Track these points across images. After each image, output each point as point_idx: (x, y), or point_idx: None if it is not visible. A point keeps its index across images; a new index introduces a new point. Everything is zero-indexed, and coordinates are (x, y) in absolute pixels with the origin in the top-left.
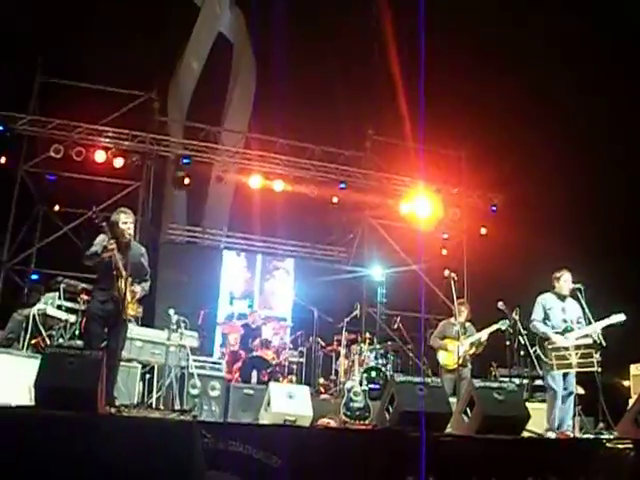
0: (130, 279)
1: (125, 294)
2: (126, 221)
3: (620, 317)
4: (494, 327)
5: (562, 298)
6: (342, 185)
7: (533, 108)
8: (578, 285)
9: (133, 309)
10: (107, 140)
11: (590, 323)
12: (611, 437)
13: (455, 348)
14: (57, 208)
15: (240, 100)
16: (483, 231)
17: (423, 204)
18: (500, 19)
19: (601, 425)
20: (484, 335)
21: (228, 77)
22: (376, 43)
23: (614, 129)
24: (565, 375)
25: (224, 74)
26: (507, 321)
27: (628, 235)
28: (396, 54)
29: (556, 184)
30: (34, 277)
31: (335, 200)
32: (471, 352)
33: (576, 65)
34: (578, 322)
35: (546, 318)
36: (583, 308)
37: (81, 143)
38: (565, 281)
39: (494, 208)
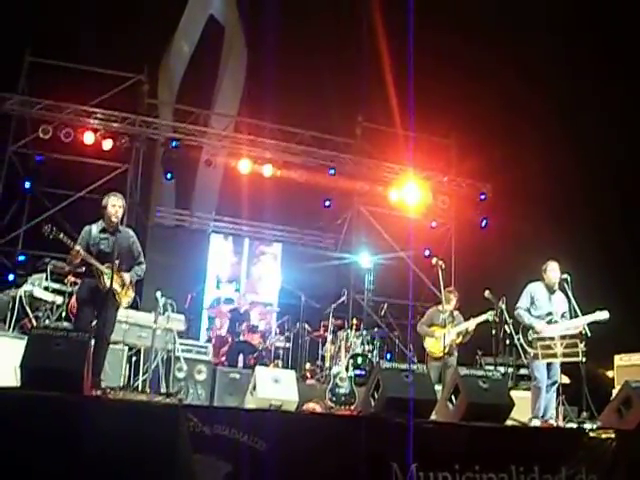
0: (117, 266)
1: (111, 285)
2: (114, 204)
3: (604, 315)
4: (482, 318)
5: (551, 290)
6: (331, 171)
7: (523, 95)
8: (565, 275)
9: (127, 295)
10: (96, 122)
11: (576, 315)
12: (594, 427)
13: (442, 336)
14: (27, 185)
15: (230, 84)
16: (484, 223)
17: (412, 191)
18: (488, 4)
19: (584, 415)
20: (471, 325)
21: (219, 60)
22: (365, 29)
23: (604, 114)
24: (550, 365)
25: (215, 57)
26: (494, 312)
27: (619, 224)
28: (385, 41)
29: (546, 172)
30: (21, 258)
31: (327, 203)
32: (458, 341)
33: (565, 50)
34: (563, 316)
35: (531, 307)
36: (569, 299)
37: (70, 124)
38: (552, 271)
39: (483, 196)
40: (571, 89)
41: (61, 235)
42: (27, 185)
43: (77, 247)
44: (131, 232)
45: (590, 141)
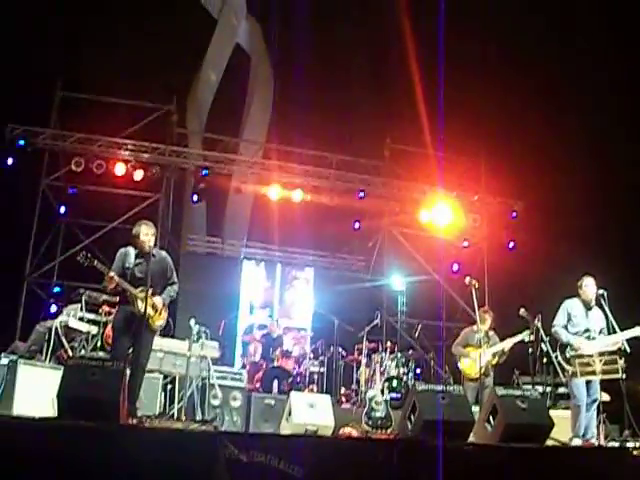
0: (151, 291)
1: (145, 309)
2: (147, 232)
3: None
4: (518, 338)
5: (588, 306)
6: (361, 194)
7: (553, 114)
8: (601, 291)
9: (160, 319)
10: (127, 153)
11: (614, 331)
12: (637, 445)
13: (477, 356)
14: (62, 210)
15: (258, 111)
16: (511, 245)
17: (442, 211)
18: (519, 26)
19: (627, 432)
20: (507, 345)
21: (246, 88)
22: (396, 52)
23: (635, 130)
24: (589, 382)
25: (242, 85)
26: (530, 332)
27: None
28: (415, 63)
29: (577, 189)
30: (56, 289)
31: (357, 226)
32: (494, 362)
33: (594, 69)
34: (601, 332)
35: (569, 324)
36: (607, 315)
37: (101, 156)
38: (588, 286)
39: (514, 214)
40: (601, 107)
41: (95, 262)
42: (62, 210)
43: (111, 273)
44: (164, 254)
45: (620, 157)
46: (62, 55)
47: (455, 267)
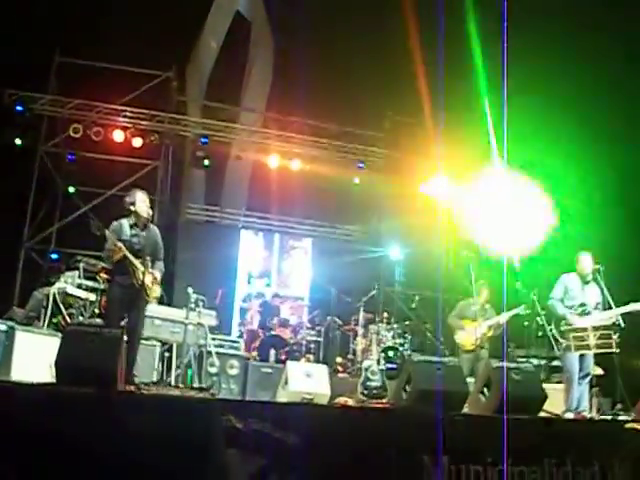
0: (149, 262)
1: (144, 280)
2: (145, 200)
3: (638, 306)
4: (513, 312)
5: (584, 281)
6: (361, 165)
7: (557, 90)
8: (597, 266)
9: (156, 291)
10: (126, 120)
11: (609, 307)
12: (628, 418)
13: (473, 329)
14: (72, 190)
15: (258, 79)
16: None
17: (441, 183)
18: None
19: (619, 406)
20: (503, 319)
21: (246, 56)
22: (397, 21)
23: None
24: (582, 356)
25: (242, 53)
26: (525, 306)
27: None
28: (416, 33)
29: (576, 167)
30: (54, 256)
31: (356, 180)
32: (489, 334)
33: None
34: (596, 308)
35: (565, 298)
36: (602, 290)
37: (100, 123)
38: (584, 261)
39: None
40: (598, 77)
41: (107, 232)
42: (71, 190)
43: (119, 243)
44: (157, 230)
45: (617, 133)
46: (61, 21)
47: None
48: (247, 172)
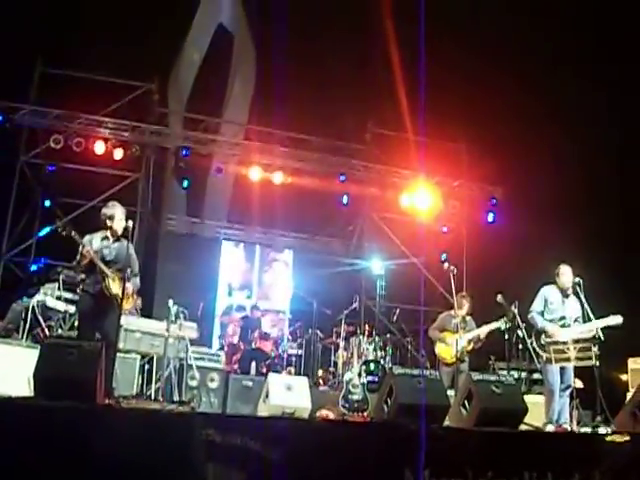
0: (120, 273)
1: (110, 290)
2: (122, 217)
3: (617, 319)
4: (494, 325)
5: (564, 293)
6: (342, 177)
7: (534, 100)
8: (577, 279)
9: (128, 303)
10: (107, 131)
11: (589, 319)
12: (609, 431)
13: (453, 341)
14: (47, 203)
15: (240, 91)
16: (490, 217)
17: (423, 196)
18: (494, 14)
19: (599, 419)
20: (483, 332)
21: (228, 68)
22: (376, 36)
23: (612, 119)
24: (563, 369)
25: (224, 65)
26: (506, 319)
27: (629, 227)
28: (396, 47)
29: (556, 177)
30: (33, 268)
31: (345, 201)
32: (469, 348)
33: (572, 55)
34: (576, 320)
35: (545, 311)
36: (582, 303)
37: (81, 134)
38: (564, 275)
39: (494, 201)
40: (578, 97)
41: (73, 232)
42: (47, 204)
43: (87, 247)
44: (129, 244)
45: (600, 144)
46: (42, 31)
47: (434, 252)
48: (228, 184)
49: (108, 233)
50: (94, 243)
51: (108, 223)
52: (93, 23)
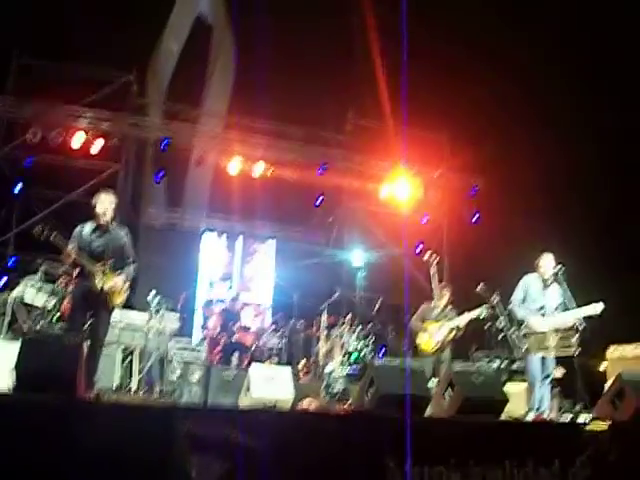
0: (109, 267)
1: (104, 285)
2: (103, 201)
3: (598, 308)
4: (474, 313)
5: (545, 283)
6: (323, 167)
7: (512, 91)
8: (558, 267)
9: (120, 297)
10: (85, 122)
11: (570, 308)
12: (588, 419)
13: (434, 331)
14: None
15: (220, 82)
16: (475, 218)
17: (403, 187)
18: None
19: (578, 407)
20: (463, 321)
21: (207, 59)
22: (356, 25)
23: (595, 104)
24: (544, 358)
25: (203, 56)
26: (486, 307)
27: (611, 216)
28: (377, 36)
29: (538, 166)
30: (11, 262)
31: (318, 202)
32: (450, 337)
33: (554, 42)
34: (557, 309)
35: (525, 300)
36: (564, 291)
37: (59, 125)
38: (545, 263)
39: (475, 190)
40: (558, 84)
41: (52, 235)
42: (17, 189)
43: (69, 247)
44: (123, 232)
45: (582, 135)
46: (20, 21)
47: (415, 243)
48: (209, 175)
49: (95, 223)
50: (84, 234)
51: (97, 212)
52: (71, 14)
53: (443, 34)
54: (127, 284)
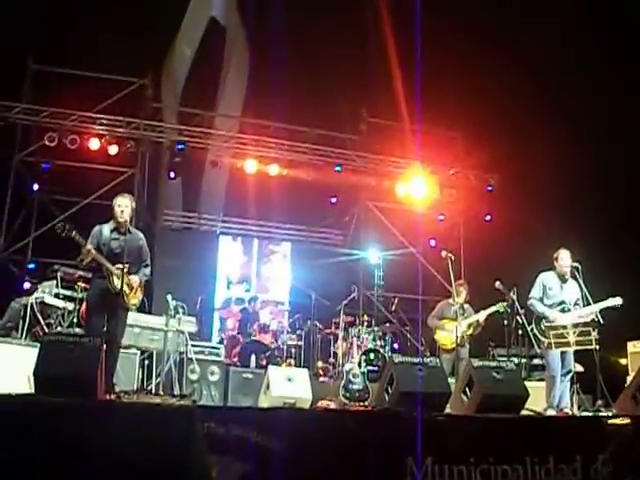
0: (127, 268)
1: (122, 286)
2: (120, 204)
3: (617, 301)
4: (492, 309)
5: (563, 278)
6: (338, 168)
7: (528, 88)
8: (575, 264)
9: (135, 297)
10: (101, 127)
11: (588, 303)
12: (609, 414)
13: (453, 328)
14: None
15: (234, 84)
16: (487, 217)
17: (419, 185)
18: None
19: (599, 403)
20: (482, 316)
21: (221, 62)
22: (371, 24)
23: (610, 105)
24: (563, 353)
25: (217, 59)
26: (504, 303)
27: (626, 211)
28: (391, 35)
29: (553, 163)
30: (31, 266)
31: (334, 201)
32: (469, 333)
33: (572, 43)
34: (576, 304)
35: (544, 297)
36: (581, 287)
37: (75, 131)
38: (563, 259)
39: (490, 188)
40: (575, 81)
41: (73, 233)
42: (35, 187)
43: (89, 246)
44: (140, 234)
45: (596, 130)
46: (35, 28)
47: (431, 241)
48: (224, 177)
49: (114, 225)
50: (103, 233)
51: (114, 213)
52: (85, 20)
53: (457, 31)
54: (142, 285)
